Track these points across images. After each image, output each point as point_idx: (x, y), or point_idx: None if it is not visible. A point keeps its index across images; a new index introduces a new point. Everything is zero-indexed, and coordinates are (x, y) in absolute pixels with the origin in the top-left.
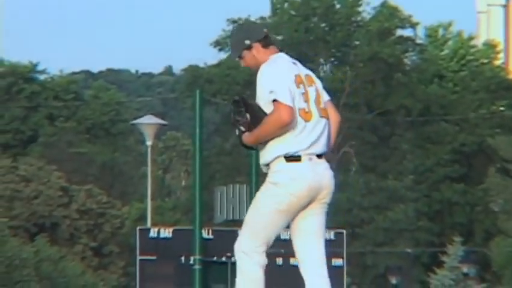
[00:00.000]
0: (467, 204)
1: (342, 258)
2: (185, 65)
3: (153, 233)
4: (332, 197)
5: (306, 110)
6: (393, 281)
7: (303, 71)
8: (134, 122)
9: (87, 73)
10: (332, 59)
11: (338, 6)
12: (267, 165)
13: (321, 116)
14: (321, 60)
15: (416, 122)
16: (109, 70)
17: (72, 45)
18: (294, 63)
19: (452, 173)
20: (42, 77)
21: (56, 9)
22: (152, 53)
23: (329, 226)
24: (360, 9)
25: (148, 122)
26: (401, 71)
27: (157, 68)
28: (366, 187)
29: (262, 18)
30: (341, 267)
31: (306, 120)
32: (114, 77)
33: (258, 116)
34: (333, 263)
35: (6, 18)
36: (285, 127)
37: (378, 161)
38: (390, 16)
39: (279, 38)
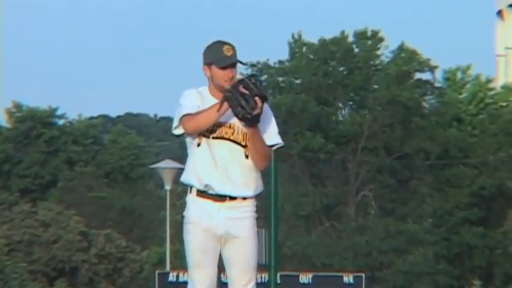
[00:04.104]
0: (486, 248)
1: None
2: None
3: (172, 277)
4: (351, 240)
5: None
6: None
7: None
8: (153, 166)
9: (106, 117)
10: (350, 103)
11: (356, 50)
12: (253, 197)
13: None
14: (340, 104)
15: (435, 166)
16: (128, 114)
17: (90, 90)
18: None
19: (471, 216)
20: (61, 121)
21: (74, 53)
22: (171, 97)
23: (348, 270)
24: (378, 52)
25: (167, 167)
26: (420, 115)
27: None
28: (385, 230)
29: (280, 61)
30: None
31: None
32: (133, 122)
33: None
34: None
35: (24, 63)
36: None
37: (397, 205)
38: (408, 60)
39: (297, 81)
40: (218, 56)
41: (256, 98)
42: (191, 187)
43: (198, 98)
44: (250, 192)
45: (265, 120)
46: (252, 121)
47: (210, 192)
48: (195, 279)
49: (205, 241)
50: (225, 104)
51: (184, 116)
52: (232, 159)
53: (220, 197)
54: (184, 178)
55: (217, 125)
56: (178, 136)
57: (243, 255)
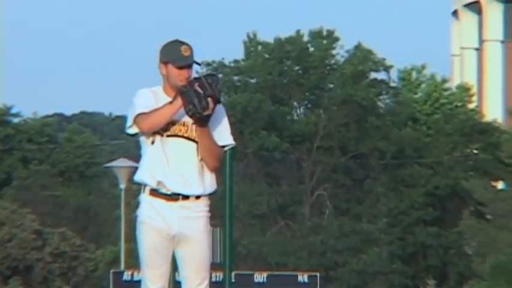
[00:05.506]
0: (441, 247)
1: None
2: None
3: (126, 276)
4: (305, 239)
5: None
6: None
7: None
8: (108, 165)
9: (60, 116)
10: (306, 102)
11: (311, 49)
12: (208, 195)
13: None
14: (295, 103)
15: (389, 165)
16: (83, 113)
17: (45, 88)
18: None
19: (426, 215)
20: (16, 120)
21: (29, 52)
22: (125, 96)
23: (302, 269)
24: (333, 52)
25: (121, 165)
26: (375, 114)
27: None
28: (340, 230)
29: (235, 61)
30: None
31: None
32: (88, 120)
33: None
34: None
35: None
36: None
37: (352, 204)
38: (364, 59)
39: (253, 81)
40: (175, 55)
41: (209, 99)
42: (144, 186)
43: (152, 97)
44: (203, 190)
45: (218, 121)
46: (201, 121)
47: (163, 191)
48: (148, 278)
49: (157, 241)
50: (179, 99)
51: (138, 115)
52: (185, 156)
53: (173, 196)
54: (137, 176)
55: (171, 123)
56: (132, 135)
57: (196, 255)
